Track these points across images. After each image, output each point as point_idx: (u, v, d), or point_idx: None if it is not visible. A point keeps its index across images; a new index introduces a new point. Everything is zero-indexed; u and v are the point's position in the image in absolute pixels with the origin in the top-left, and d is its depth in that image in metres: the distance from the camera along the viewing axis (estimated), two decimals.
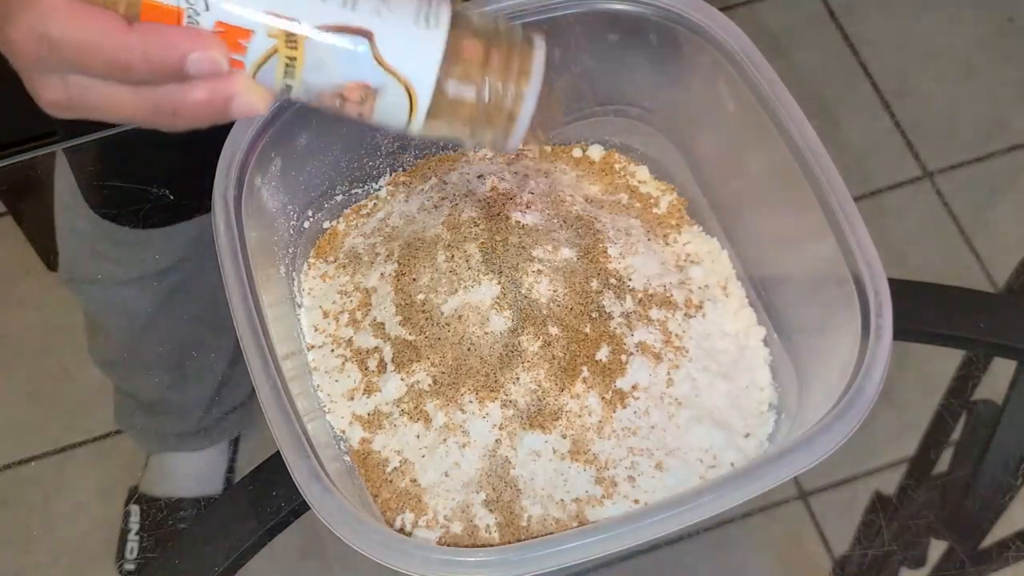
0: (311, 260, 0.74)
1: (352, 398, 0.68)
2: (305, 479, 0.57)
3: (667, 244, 0.74)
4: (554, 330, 0.67)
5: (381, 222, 0.74)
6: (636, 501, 0.64)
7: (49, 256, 1.05)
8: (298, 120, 0.69)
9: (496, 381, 0.66)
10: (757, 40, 0.69)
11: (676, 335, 0.69)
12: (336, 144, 0.73)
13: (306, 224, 0.74)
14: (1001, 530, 0.83)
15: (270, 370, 0.60)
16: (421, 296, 0.68)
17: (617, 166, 0.78)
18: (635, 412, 0.66)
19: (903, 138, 1.59)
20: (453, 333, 0.67)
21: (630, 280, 0.70)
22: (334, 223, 0.76)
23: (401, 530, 0.64)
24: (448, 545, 0.63)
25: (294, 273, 0.73)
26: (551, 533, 0.62)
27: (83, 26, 0.46)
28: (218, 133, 0.66)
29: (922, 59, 1.67)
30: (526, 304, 0.67)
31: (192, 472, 0.98)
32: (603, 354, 0.67)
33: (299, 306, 0.72)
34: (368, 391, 0.68)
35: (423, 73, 0.49)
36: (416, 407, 0.66)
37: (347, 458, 0.67)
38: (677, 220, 0.76)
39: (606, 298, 0.68)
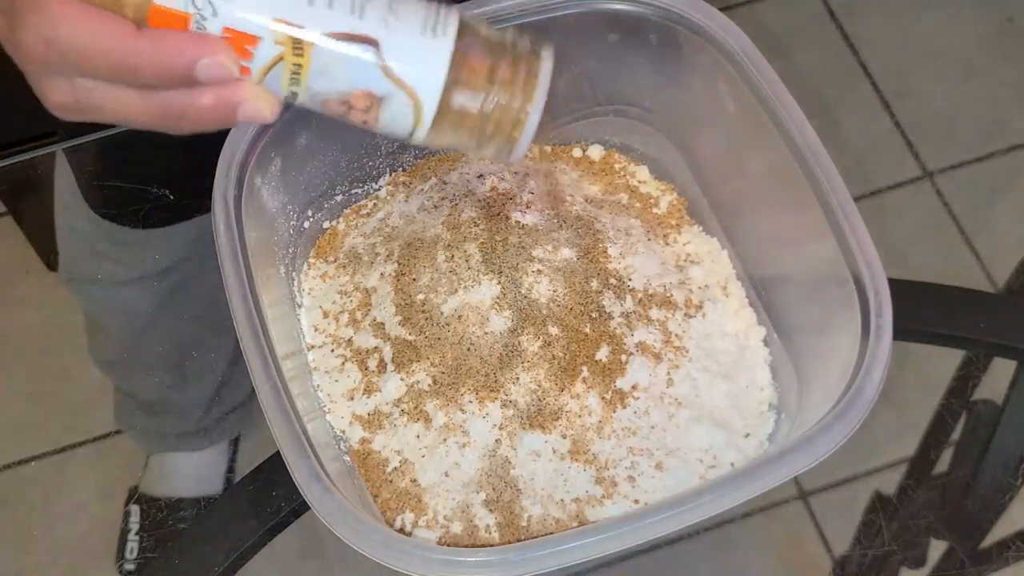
0: (311, 260, 0.74)
1: (352, 398, 0.68)
2: (305, 479, 0.57)
3: (667, 244, 0.74)
4: (554, 330, 0.67)
5: (381, 222, 0.74)
6: (636, 501, 0.64)
7: (49, 256, 1.05)
8: (298, 120, 0.69)
9: (496, 381, 0.66)
10: (757, 40, 0.69)
11: (676, 335, 0.69)
12: (336, 144, 0.73)
13: (306, 224, 0.74)
14: (1001, 530, 0.83)
15: (270, 370, 0.60)
16: (421, 296, 0.68)
17: (617, 166, 0.78)
18: (635, 412, 0.66)
19: (903, 138, 1.59)
20: (453, 333, 0.67)
21: (630, 280, 0.70)
22: (334, 223, 0.76)
23: (401, 530, 0.64)
24: (448, 545, 0.63)
25: (294, 273, 0.73)
26: (551, 533, 0.62)
27: (92, 30, 0.46)
28: (218, 133, 0.66)
29: (922, 59, 1.67)
30: (526, 304, 0.67)
31: (192, 472, 0.98)
32: (603, 354, 0.67)
33: (299, 306, 0.72)
34: (368, 391, 0.68)
35: (429, 83, 0.49)
36: (416, 407, 0.66)
37: (347, 458, 0.67)
38: (677, 220, 0.76)
39: (606, 298, 0.68)
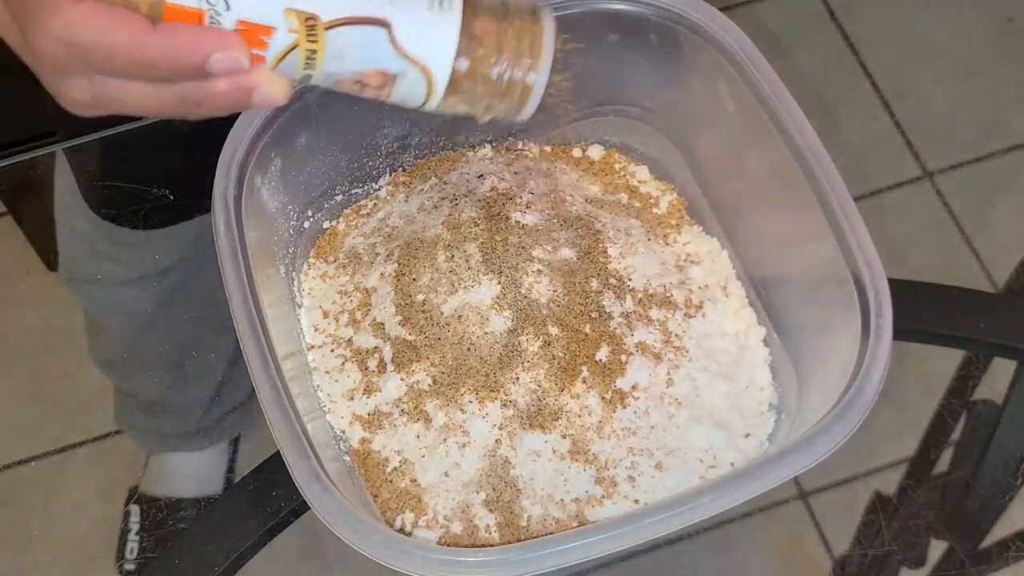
0: (311, 260, 0.74)
1: (352, 398, 0.68)
2: (305, 479, 0.57)
3: (667, 244, 0.74)
4: (554, 330, 0.67)
5: (381, 222, 0.74)
6: (636, 501, 0.64)
7: (49, 256, 1.05)
8: (298, 120, 0.69)
9: (496, 381, 0.66)
10: (757, 40, 0.69)
11: (676, 335, 0.69)
12: (336, 144, 0.73)
13: (306, 224, 0.74)
14: (1001, 530, 0.83)
15: (270, 370, 0.60)
16: (421, 296, 0.68)
17: (617, 166, 0.78)
18: (635, 412, 0.66)
19: (903, 138, 1.59)
20: (453, 333, 0.67)
21: (630, 280, 0.70)
22: (334, 223, 0.76)
23: (401, 530, 0.64)
24: (448, 545, 0.63)
25: (294, 273, 0.73)
26: (551, 533, 0.62)
27: (108, 28, 0.47)
28: (218, 133, 0.66)
29: (922, 59, 1.67)
30: (526, 304, 0.67)
31: (192, 472, 0.98)
32: (603, 354, 0.67)
33: (299, 306, 0.72)
34: (368, 391, 0.68)
35: (440, 56, 0.51)
36: (416, 407, 0.66)
37: (347, 458, 0.67)
38: (677, 220, 0.76)
39: (606, 298, 0.68)
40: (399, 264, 0.70)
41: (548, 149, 0.79)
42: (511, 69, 0.52)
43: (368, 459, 0.66)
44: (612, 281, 0.69)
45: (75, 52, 0.47)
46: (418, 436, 0.66)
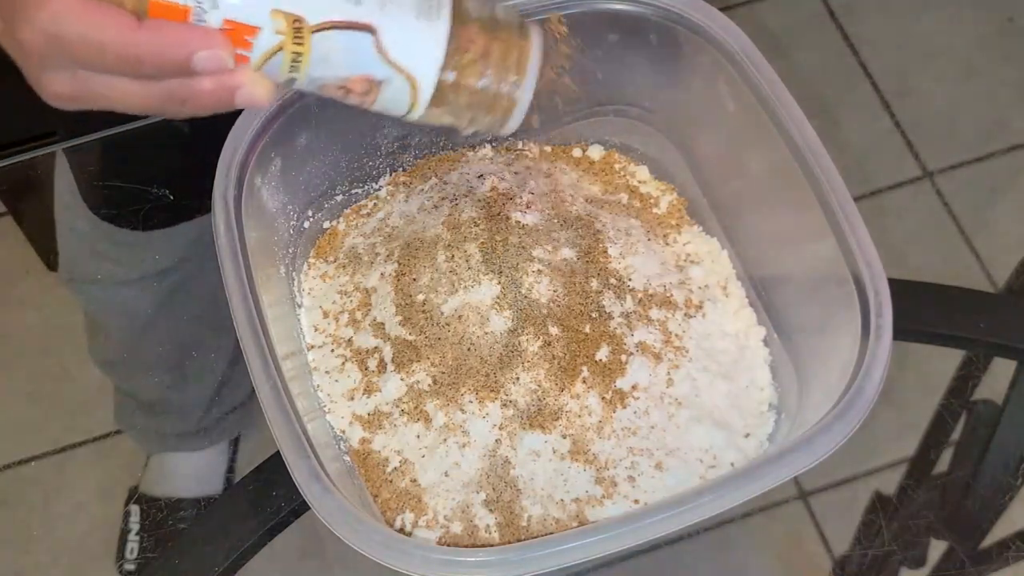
0: (311, 260, 0.74)
1: (352, 398, 0.68)
2: (305, 479, 0.57)
3: (667, 244, 0.74)
4: (554, 330, 0.67)
5: (381, 222, 0.74)
6: (636, 501, 0.64)
7: (49, 256, 1.05)
8: (298, 120, 0.69)
9: (496, 381, 0.66)
10: (757, 40, 0.69)
11: (676, 335, 0.69)
12: (336, 144, 0.73)
13: (306, 224, 0.74)
14: (1001, 530, 0.83)
15: (270, 370, 0.60)
16: (421, 296, 0.68)
17: (617, 166, 0.78)
18: (635, 412, 0.66)
19: (903, 138, 1.59)
20: (453, 333, 0.67)
21: (630, 280, 0.70)
22: (334, 223, 0.76)
23: (401, 530, 0.64)
24: (448, 545, 0.63)
25: (294, 273, 0.73)
26: (551, 533, 0.62)
27: (93, 23, 0.47)
28: (218, 133, 0.66)
29: (922, 59, 1.67)
30: (526, 304, 0.67)
31: (192, 472, 0.98)
32: (603, 354, 0.67)
33: (299, 306, 0.72)
34: (368, 391, 0.68)
35: (426, 66, 0.50)
36: (416, 407, 0.66)
37: (347, 458, 0.67)
38: (677, 220, 0.76)
39: (606, 298, 0.68)
40: (399, 264, 0.70)
41: (548, 149, 0.79)
42: (497, 83, 0.52)
43: (368, 459, 0.66)
44: (612, 281, 0.69)
45: (60, 46, 0.47)
46: (418, 436, 0.66)
